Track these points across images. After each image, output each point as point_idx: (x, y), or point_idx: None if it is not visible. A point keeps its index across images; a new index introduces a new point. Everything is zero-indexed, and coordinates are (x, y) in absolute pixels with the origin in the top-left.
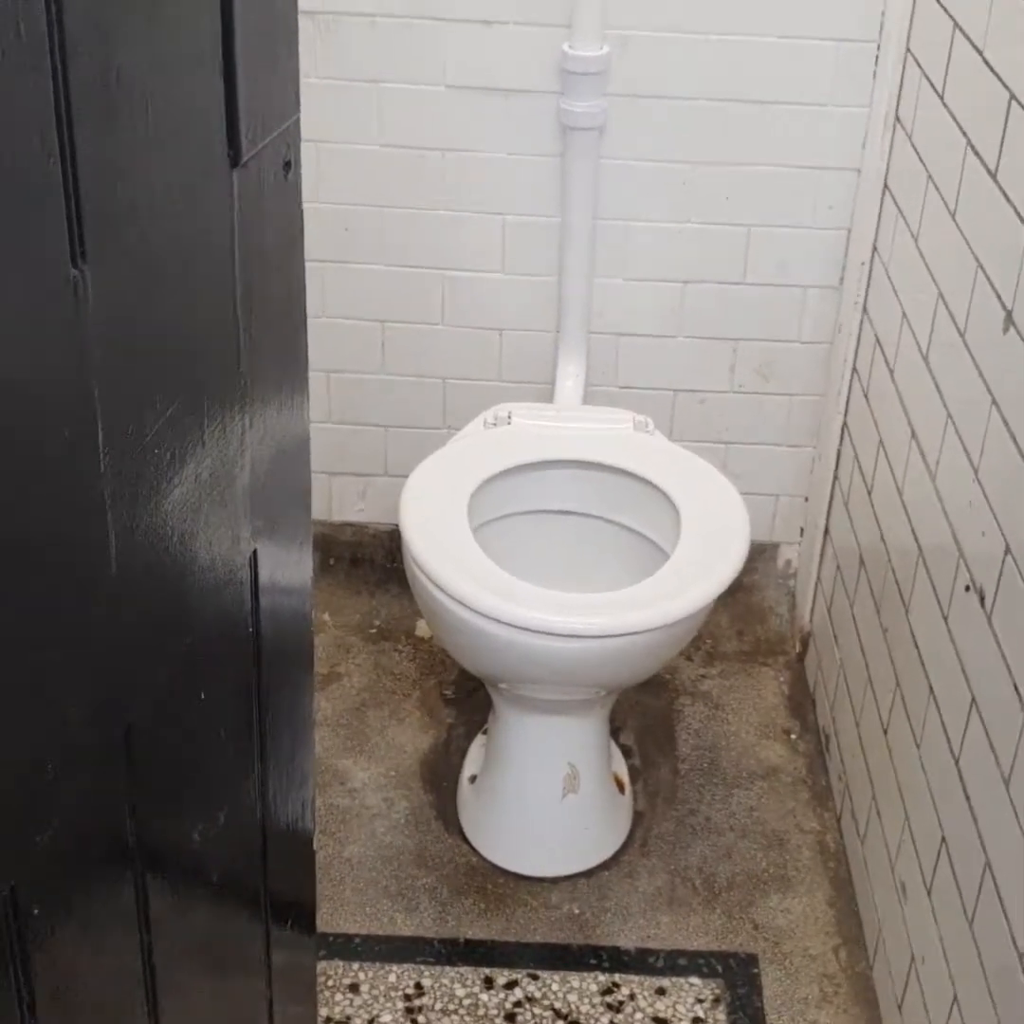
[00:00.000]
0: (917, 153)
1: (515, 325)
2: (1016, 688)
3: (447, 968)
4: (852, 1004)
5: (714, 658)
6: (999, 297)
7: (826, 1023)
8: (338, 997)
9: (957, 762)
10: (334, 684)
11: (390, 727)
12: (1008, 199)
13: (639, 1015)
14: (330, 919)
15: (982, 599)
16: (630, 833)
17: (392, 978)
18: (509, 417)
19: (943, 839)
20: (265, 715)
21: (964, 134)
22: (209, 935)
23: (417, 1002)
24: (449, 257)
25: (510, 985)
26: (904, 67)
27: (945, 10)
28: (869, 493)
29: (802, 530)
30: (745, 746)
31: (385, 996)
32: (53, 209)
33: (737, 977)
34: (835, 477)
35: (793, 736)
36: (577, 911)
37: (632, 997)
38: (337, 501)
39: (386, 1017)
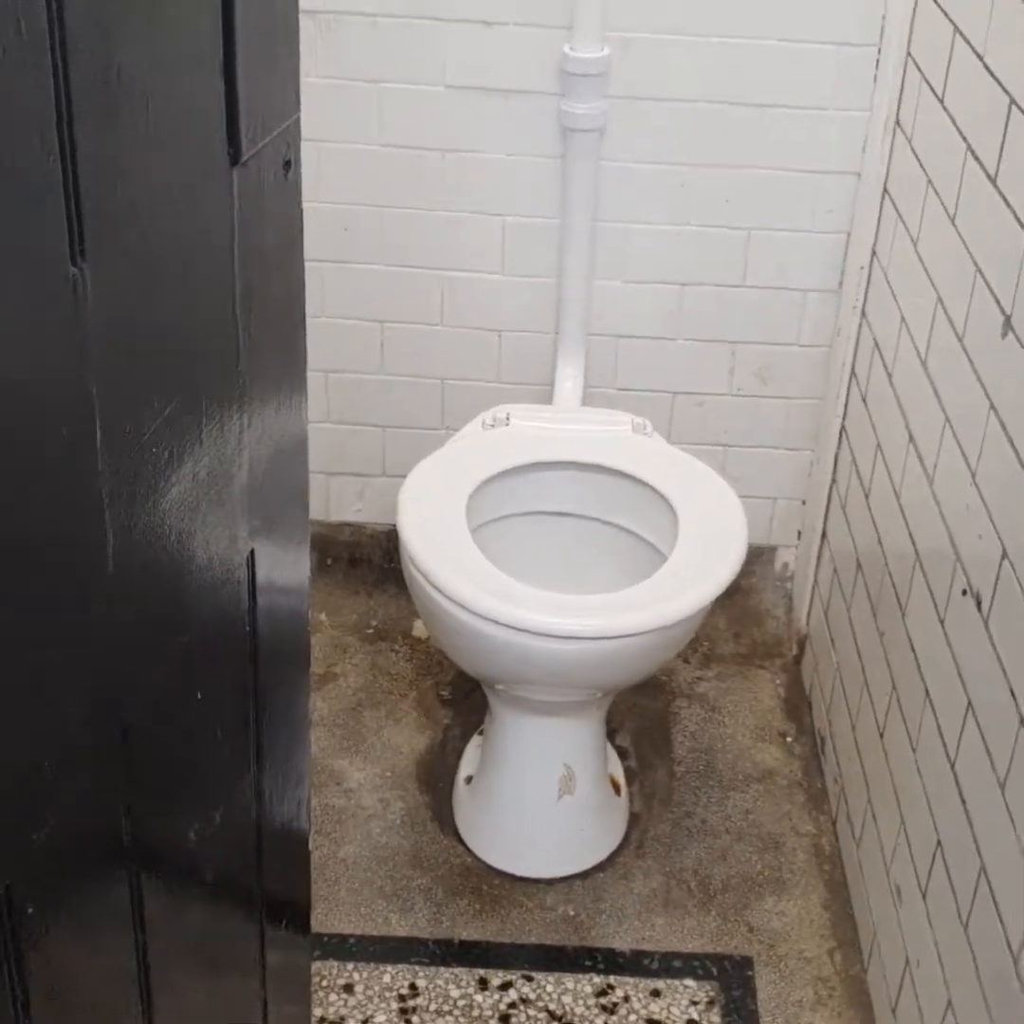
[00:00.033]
0: (917, 157)
1: (514, 326)
2: (1012, 692)
3: (442, 969)
4: (846, 1007)
5: (711, 660)
6: (998, 302)
7: None
8: (333, 997)
9: (953, 766)
10: (330, 684)
11: (386, 727)
12: (1008, 204)
13: (633, 1017)
14: (325, 919)
15: (979, 603)
16: (626, 835)
17: (387, 978)
18: (507, 418)
19: (938, 843)
20: (261, 715)
21: (964, 139)
22: (204, 935)
23: (411, 1003)
24: (448, 258)
25: (505, 986)
26: (904, 71)
27: (946, 15)
28: (867, 497)
29: (799, 533)
30: (741, 749)
31: (379, 996)
32: (53, 207)
33: (732, 979)
34: (833, 480)
35: (789, 739)
36: (572, 913)
37: (627, 999)
38: (335, 501)
39: (380, 1017)
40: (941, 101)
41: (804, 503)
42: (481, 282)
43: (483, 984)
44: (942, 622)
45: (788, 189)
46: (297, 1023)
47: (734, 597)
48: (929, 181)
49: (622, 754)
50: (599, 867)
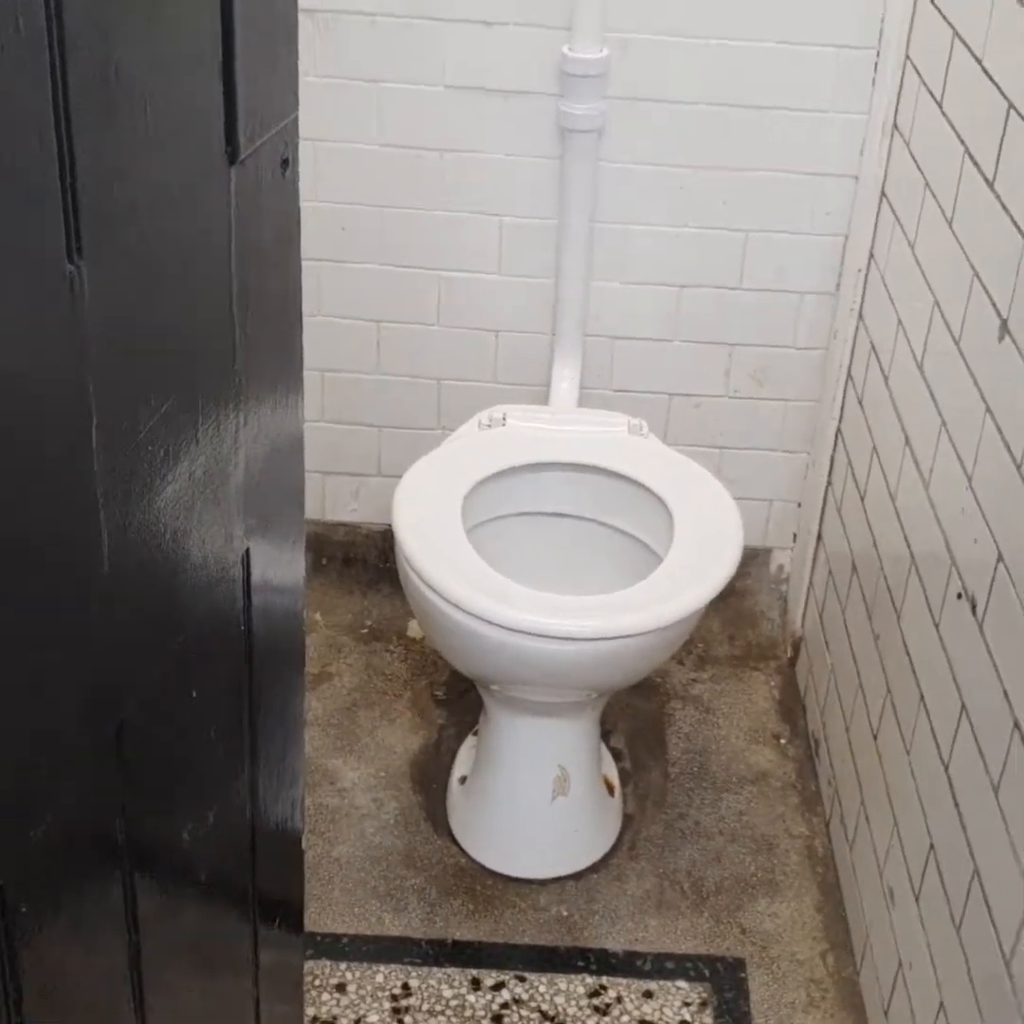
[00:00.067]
0: (915, 161)
1: (511, 327)
2: (1006, 696)
3: (434, 969)
4: (839, 1009)
5: (705, 662)
6: (995, 306)
7: None
8: (325, 997)
9: (946, 769)
10: (325, 684)
11: (380, 727)
12: (1005, 208)
13: (626, 1018)
14: (318, 918)
15: (974, 607)
16: (619, 836)
17: (379, 978)
18: (504, 419)
19: (931, 846)
20: (256, 714)
21: (962, 142)
22: (197, 934)
23: (404, 1002)
24: (446, 258)
25: (497, 986)
26: (903, 74)
27: (944, 18)
28: (862, 499)
29: (795, 535)
30: (735, 750)
31: (372, 996)
32: (50, 204)
33: (724, 981)
34: (828, 483)
35: (783, 741)
36: (565, 913)
37: (619, 1000)
38: (330, 500)
39: (373, 1017)
40: (939, 104)
41: (800, 505)
42: (478, 282)
43: (476, 984)
44: (937, 626)
45: (786, 191)
46: (289, 1022)
47: (729, 599)
48: (927, 184)
49: (616, 755)
50: (593, 868)
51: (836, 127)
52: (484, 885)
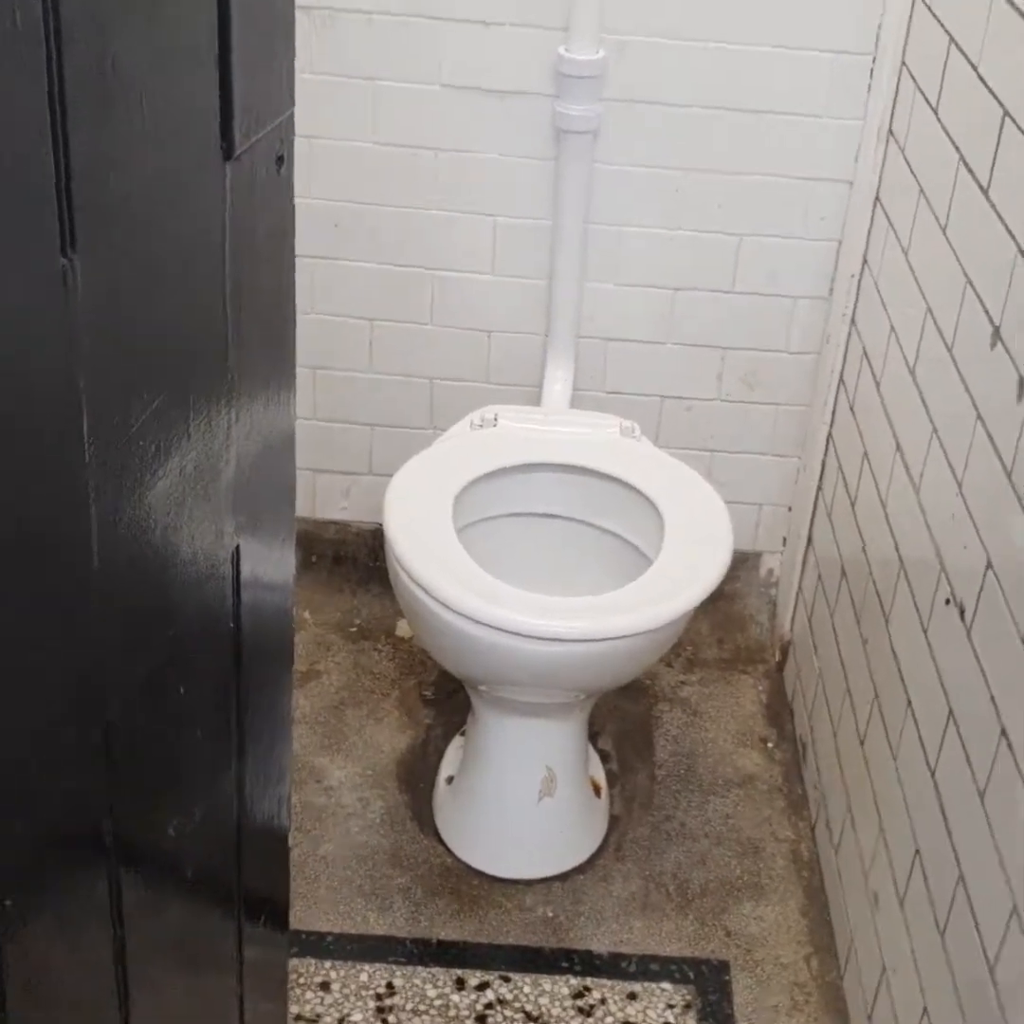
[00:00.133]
0: (909, 167)
1: (504, 327)
2: (993, 702)
3: (419, 968)
4: (822, 1013)
5: (694, 665)
6: (987, 313)
7: None
8: (309, 995)
9: (933, 774)
10: (313, 682)
11: (368, 726)
12: (999, 216)
13: (610, 1019)
14: (303, 917)
15: (962, 613)
16: (605, 837)
17: (363, 977)
18: (496, 419)
19: (917, 851)
20: (244, 711)
21: (957, 149)
22: (182, 930)
23: (388, 1002)
24: (440, 257)
25: (481, 986)
26: (899, 80)
27: (941, 24)
28: (852, 504)
29: (785, 539)
30: (722, 753)
31: (356, 995)
32: (45, 197)
33: (708, 983)
34: (819, 487)
35: (770, 744)
36: (550, 914)
37: (603, 1001)
38: (321, 498)
39: (356, 1016)
40: (935, 111)
41: (790, 509)
42: (472, 282)
43: (460, 984)
44: (925, 631)
45: (781, 196)
46: (273, 1020)
47: (718, 602)
48: (921, 190)
49: (604, 757)
50: (578, 869)
51: (831, 132)
52: (470, 885)
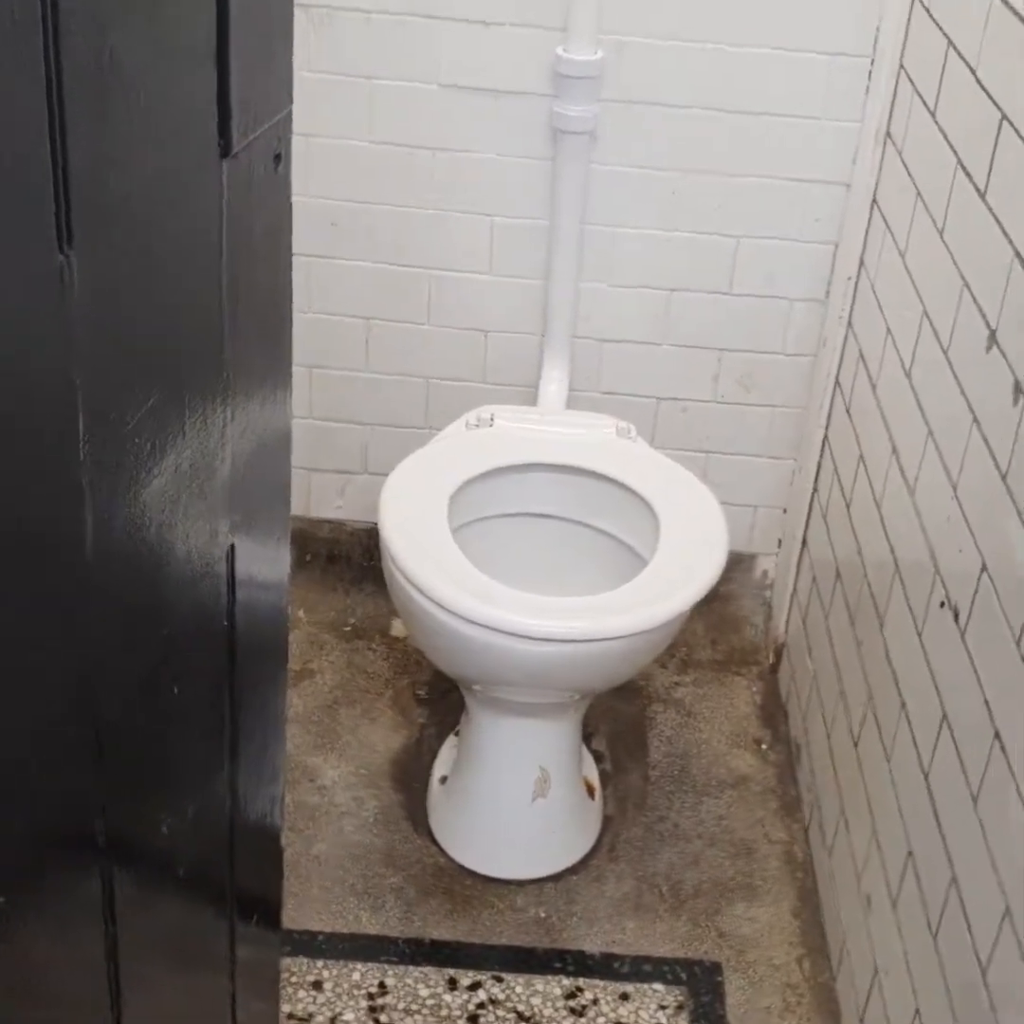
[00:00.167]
0: (907, 170)
1: (500, 327)
2: (987, 705)
3: (411, 968)
4: (814, 1015)
5: (688, 666)
6: (983, 316)
7: None
8: (301, 994)
9: (926, 777)
10: (307, 681)
11: (362, 726)
12: (996, 219)
13: (602, 1020)
14: (295, 916)
15: (956, 616)
16: (599, 838)
17: (356, 976)
18: (491, 419)
19: (910, 853)
20: (238, 710)
21: (954, 152)
22: (174, 929)
23: (380, 1001)
24: (436, 256)
25: (474, 986)
26: (897, 83)
27: (939, 28)
28: (848, 507)
29: (780, 541)
30: (716, 754)
31: (348, 994)
32: (42, 193)
33: (701, 984)
34: (814, 490)
35: (764, 746)
36: (543, 914)
37: (595, 1002)
38: (316, 497)
39: (349, 1015)
40: (933, 114)
41: (785, 511)
42: (468, 282)
43: (452, 984)
44: (919, 634)
45: (778, 198)
46: (265, 1019)
47: (713, 604)
48: (918, 194)
49: (597, 757)
50: (571, 869)
51: (829, 134)
52: (462, 885)
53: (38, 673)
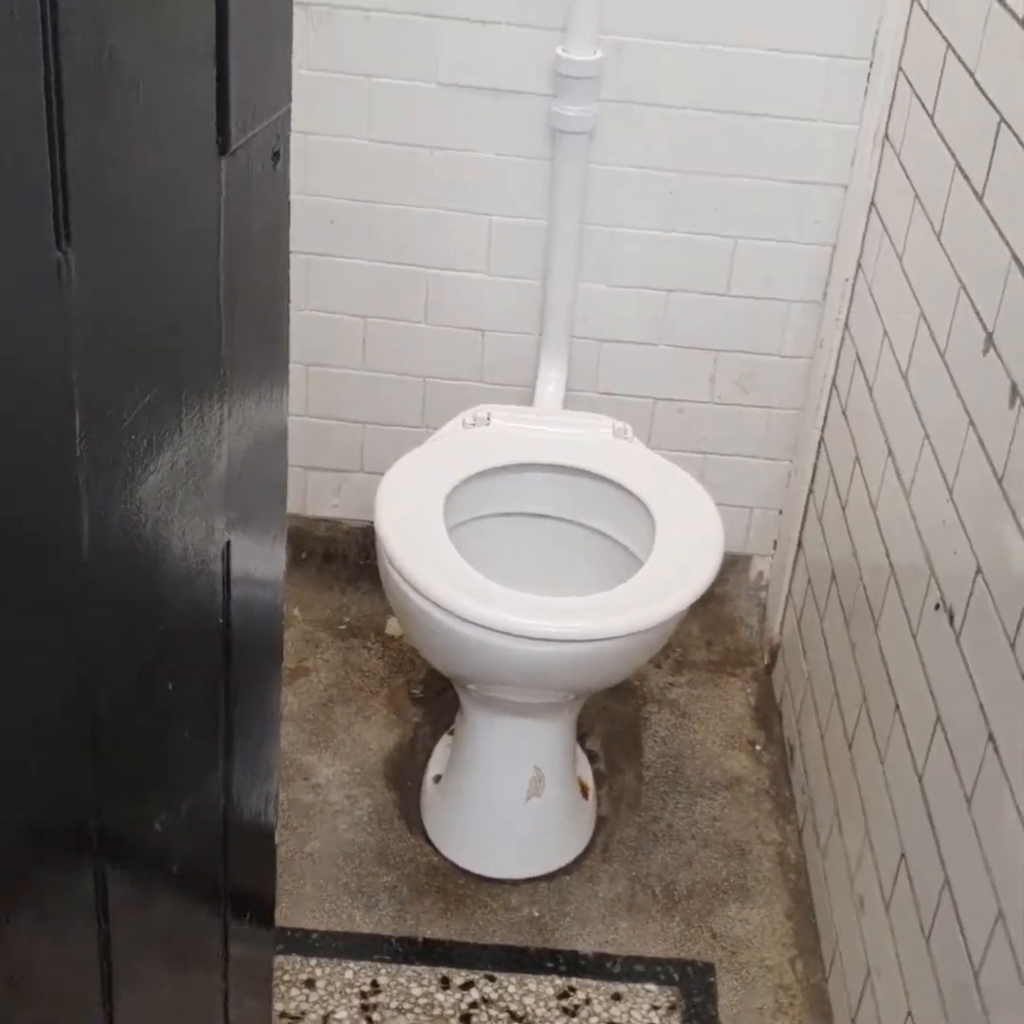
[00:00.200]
0: (905, 172)
1: (498, 327)
2: (982, 708)
3: (404, 966)
4: (807, 1016)
5: (683, 667)
6: (980, 319)
7: None
8: (294, 992)
9: (920, 779)
10: (301, 679)
11: (356, 724)
12: (993, 222)
13: (594, 1020)
14: (289, 914)
15: (951, 618)
16: (592, 838)
17: (348, 975)
18: (488, 418)
19: (903, 855)
20: (232, 707)
21: (952, 155)
22: (167, 926)
23: (373, 1000)
24: (434, 255)
25: (466, 986)
26: (895, 86)
27: (938, 30)
28: (843, 508)
29: (775, 543)
30: (710, 755)
31: (341, 992)
32: (41, 190)
33: (693, 985)
34: (810, 491)
35: (758, 747)
36: (536, 914)
37: (588, 1001)
38: (312, 496)
39: (341, 1013)
40: (931, 117)
41: (781, 513)
42: (466, 281)
43: (445, 983)
44: (914, 636)
45: (776, 199)
46: (258, 1017)
47: (708, 604)
48: (916, 196)
49: (592, 757)
50: (565, 869)
51: (827, 136)
52: (456, 884)
53: (33, 670)
